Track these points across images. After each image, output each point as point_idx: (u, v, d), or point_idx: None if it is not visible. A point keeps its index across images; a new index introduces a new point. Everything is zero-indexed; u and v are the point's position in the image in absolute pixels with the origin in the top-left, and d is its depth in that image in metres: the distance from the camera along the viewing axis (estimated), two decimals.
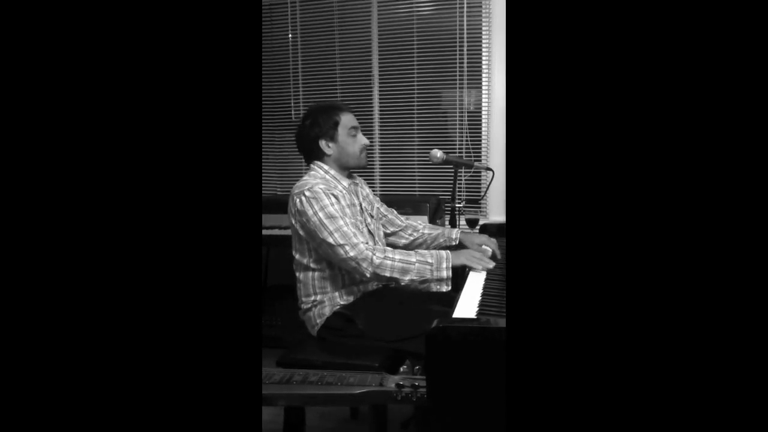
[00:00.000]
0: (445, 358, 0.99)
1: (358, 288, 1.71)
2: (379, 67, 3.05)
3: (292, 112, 3.21)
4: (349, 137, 1.74)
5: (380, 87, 3.06)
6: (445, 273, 1.58)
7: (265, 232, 2.61)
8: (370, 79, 3.07)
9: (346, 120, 1.74)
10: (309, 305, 1.71)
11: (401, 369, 1.26)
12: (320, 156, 1.75)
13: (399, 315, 1.62)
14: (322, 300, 1.69)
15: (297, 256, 1.72)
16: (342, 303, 1.69)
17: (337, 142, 1.73)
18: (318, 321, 1.69)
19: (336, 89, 3.12)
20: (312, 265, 1.69)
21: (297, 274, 1.75)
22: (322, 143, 1.73)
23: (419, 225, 2.03)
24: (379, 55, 3.04)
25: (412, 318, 1.55)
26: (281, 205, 2.81)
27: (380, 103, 3.07)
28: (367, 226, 1.79)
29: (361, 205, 1.81)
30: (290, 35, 3.15)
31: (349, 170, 1.79)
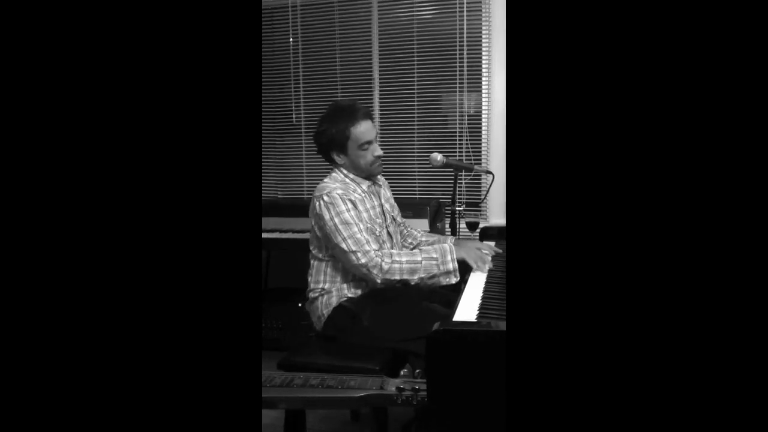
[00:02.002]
0: (446, 362, 1.00)
1: (367, 283, 1.73)
2: (380, 71, 3.06)
3: (293, 116, 3.22)
4: (360, 150, 1.71)
5: (381, 90, 3.07)
6: (451, 265, 1.63)
7: (266, 235, 2.61)
8: (370, 83, 3.07)
9: (358, 133, 1.69)
10: (317, 293, 1.73)
11: (402, 372, 1.26)
12: (338, 163, 1.77)
13: (404, 315, 1.63)
14: (330, 289, 1.72)
15: (314, 251, 1.76)
16: (349, 295, 1.71)
17: (348, 155, 1.73)
18: (324, 312, 1.71)
19: (337, 92, 3.13)
20: (327, 259, 1.73)
21: (311, 261, 1.78)
22: (333, 154, 1.75)
23: (417, 233, 2.06)
24: (380, 58, 3.05)
25: (417, 319, 1.56)
26: (282, 208, 2.84)
27: (381, 106, 3.07)
28: (386, 227, 1.81)
29: (382, 206, 1.83)
30: (291, 39, 3.16)
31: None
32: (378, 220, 1.77)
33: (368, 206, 1.74)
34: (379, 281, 1.62)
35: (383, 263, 1.60)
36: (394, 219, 1.91)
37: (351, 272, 1.69)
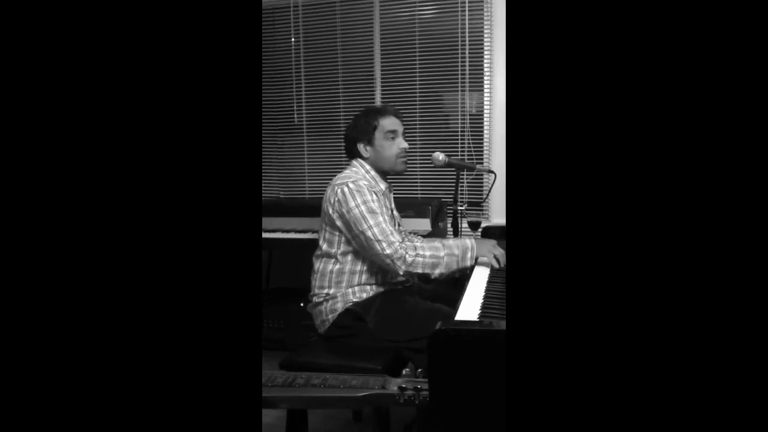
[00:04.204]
0: (448, 361, 1.00)
1: (372, 287, 1.73)
2: (381, 70, 3.06)
3: (295, 116, 3.22)
4: (386, 141, 1.76)
5: (382, 90, 3.07)
6: (469, 262, 1.66)
7: (267, 235, 2.61)
8: (372, 82, 3.07)
9: (386, 123, 1.76)
10: (321, 298, 1.73)
11: (404, 372, 1.26)
12: (361, 156, 1.79)
13: (408, 316, 1.63)
14: (335, 294, 1.71)
15: (324, 246, 1.74)
16: (354, 300, 1.70)
17: (374, 146, 1.77)
18: (329, 316, 1.71)
19: (338, 92, 3.13)
20: (338, 257, 1.71)
21: (315, 264, 1.77)
22: (360, 146, 1.77)
23: (417, 242, 2.05)
24: (381, 58, 3.05)
25: (421, 319, 1.57)
26: (284, 208, 2.84)
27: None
28: (397, 229, 1.84)
29: (392, 211, 1.87)
30: (293, 39, 3.16)
31: (386, 174, 1.82)
32: (392, 221, 1.79)
33: (385, 205, 1.76)
34: (401, 272, 1.63)
35: (407, 256, 1.61)
36: (399, 224, 1.94)
37: (369, 262, 1.68)
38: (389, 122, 1.77)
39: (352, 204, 1.63)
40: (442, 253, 1.63)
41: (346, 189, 1.64)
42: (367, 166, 1.78)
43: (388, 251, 1.60)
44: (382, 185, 1.79)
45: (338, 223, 1.68)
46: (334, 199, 1.67)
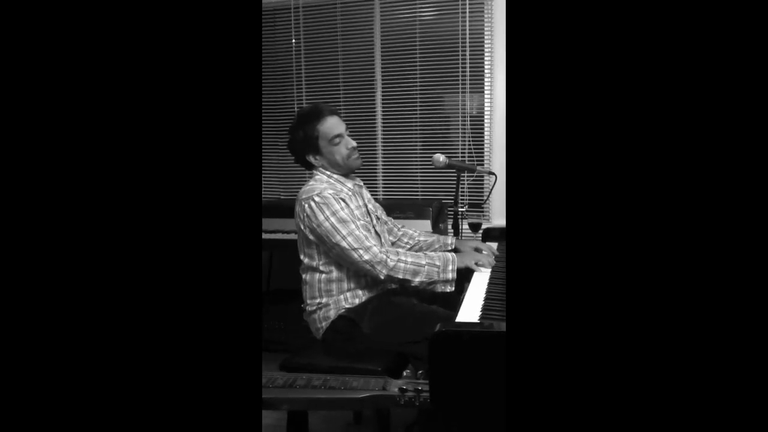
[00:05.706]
0: (448, 363, 1.00)
1: (363, 292, 1.72)
2: (382, 72, 3.06)
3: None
4: (332, 146, 1.71)
5: (383, 91, 3.07)
6: (451, 275, 1.64)
7: (268, 236, 2.61)
8: (372, 84, 3.07)
9: (326, 129, 1.70)
10: (314, 307, 1.72)
11: (404, 373, 1.26)
12: (315, 166, 1.77)
13: (404, 319, 1.62)
14: (327, 303, 1.70)
15: (306, 260, 1.73)
16: (347, 306, 1.69)
17: (323, 155, 1.73)
18: (323, 324, 1.70)
19: (339, 94, 3.13)
20: (321, 268, 1.70)
21: (303, 275, 1.76)
22: (310, 158, 1.75)
23: (414, 233, 2.05)
24: (382, 59, 3.05)
25: (417, 322, 1.56)
26: (284, 209, 2.83)
27: (383, 107, 3.07)
28: (374, 227, 1.81)
29: (366, 206, 1.83)
30: (293, 40, 3.17)
31: (346, 174, 1.79)
32: (367, 219, 1.77)
33: (356, 204, 1.74)
34: (382, 277, 1.61)
35: (389, 260, 1.60)
36: (378, 218, 1.90)
37: (352, 269, 1.67)
38: (329, 126, 1.71)
39: (321, 218, 1.61)
40: (423, 262, 1.63)
41: (312, 204, 1.62)
42: (328, 172, 1.75)
43: (366, 257, 1.59)
44: (349, 184, 1.77)
45: (311, 237, 1.66)
46: (303, 215, 1.65)
